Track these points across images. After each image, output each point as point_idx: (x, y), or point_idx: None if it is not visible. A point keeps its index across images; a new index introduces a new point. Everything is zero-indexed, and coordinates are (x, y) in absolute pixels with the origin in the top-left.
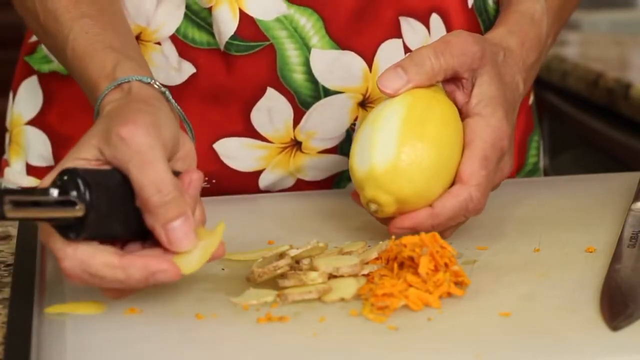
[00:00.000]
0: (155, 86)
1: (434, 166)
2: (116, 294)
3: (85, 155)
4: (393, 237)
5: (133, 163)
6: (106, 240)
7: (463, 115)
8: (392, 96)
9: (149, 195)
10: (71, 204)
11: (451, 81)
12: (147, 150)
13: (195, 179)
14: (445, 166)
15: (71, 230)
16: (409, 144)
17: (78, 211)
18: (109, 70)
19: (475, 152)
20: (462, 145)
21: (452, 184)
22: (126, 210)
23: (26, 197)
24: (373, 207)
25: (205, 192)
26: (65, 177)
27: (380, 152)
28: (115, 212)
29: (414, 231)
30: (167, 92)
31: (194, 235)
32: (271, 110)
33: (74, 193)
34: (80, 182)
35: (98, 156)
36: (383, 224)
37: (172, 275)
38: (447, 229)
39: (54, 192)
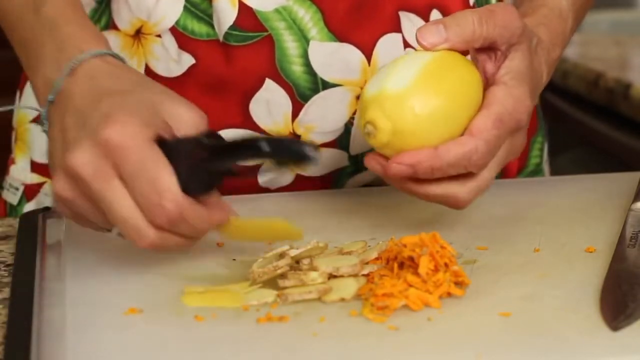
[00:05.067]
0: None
1: (442, 112)
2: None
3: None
4: (393, 237)
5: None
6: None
7: (488, 84)
8: (426, 49)
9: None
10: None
11: (485, 50)
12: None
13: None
14: (454, 119)
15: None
16: (424, 82)
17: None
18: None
19: (491, 112)
20: (477, 108)
21: None
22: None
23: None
24: (369, 128)
25: None
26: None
27: (393, 80)
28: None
29: (412, 171)
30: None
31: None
32: (270, 102)
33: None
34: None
35: None
36: (370, 166)
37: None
38: (457, 182)
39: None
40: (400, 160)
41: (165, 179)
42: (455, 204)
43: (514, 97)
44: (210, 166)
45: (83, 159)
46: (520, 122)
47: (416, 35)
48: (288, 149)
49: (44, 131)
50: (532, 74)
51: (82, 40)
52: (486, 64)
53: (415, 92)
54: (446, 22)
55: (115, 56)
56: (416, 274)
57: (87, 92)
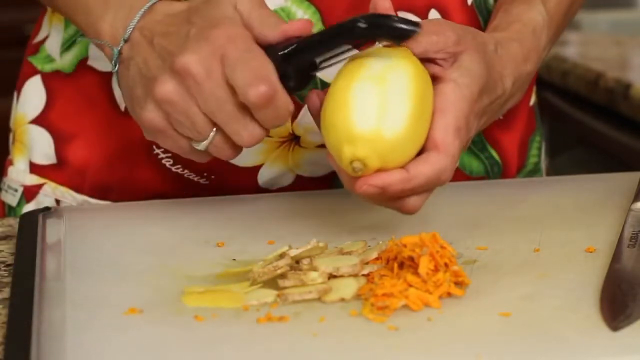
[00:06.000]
0: None
1: (422, 132)
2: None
3: None
4: (393, 237)
5: None
6: None
7: (436, 82)
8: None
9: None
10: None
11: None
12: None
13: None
14: (425, 131)
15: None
16: (416, 121)
17: None
18: None
19: (449, 121)
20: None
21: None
22: None
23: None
24: (357, 165)
25: (204, 190)
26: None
27: (390, 120)
28: None
29: (381, 192)
30: None
31: None
32: None
33: None
34: None
35: None
36: (343, 179)
37: None
38: (417, 195)
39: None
40: (370, 182)
41: (266, 65)
42: (407, 212)
43: (466, 99)
44: (306, 57)
45: (193, 58)
46: (469, 125)
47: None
48: (386, 26)
49: (115, 72)
50: (486, 76)
51: None
52: (430, 67)
53: (411, 134)
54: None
55: None
56: (416, 274)
57: (170, 20)
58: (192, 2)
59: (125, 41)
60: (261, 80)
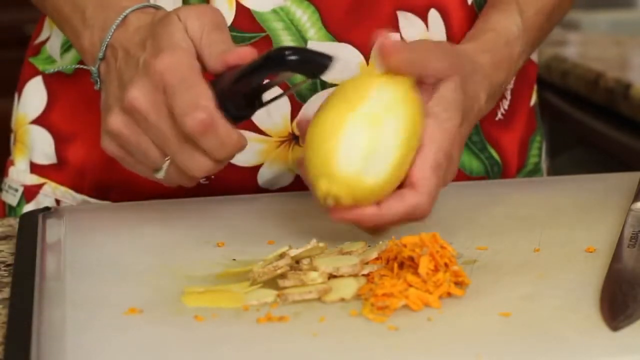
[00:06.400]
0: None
1: (404, 168)
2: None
3: None
4: (393, 237)
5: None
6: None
7: None
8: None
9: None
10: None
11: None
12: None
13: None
14: (407, 164)
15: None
16: (400, 168)
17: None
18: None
19: (428, 158)
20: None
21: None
22: None
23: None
24: (330, 202)
25: (204, 190)
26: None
27: (374, 167)
28: None
29: (356, 223)
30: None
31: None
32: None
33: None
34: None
35: None
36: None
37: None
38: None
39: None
40: (344, 216)
41: (203, 93)
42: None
43: (447, 132)
44: (241, 86)
45: (139, 94)
46: (453, 157)
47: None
48: (311, 58)
49: (98, 89)
50: (465, 102)
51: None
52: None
53: (392, 180)
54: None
55: (154, 6)
56: (416, 274)
57: (136, 38)
58: (155, 15)
59: (102, 60)
60: (196, 108)
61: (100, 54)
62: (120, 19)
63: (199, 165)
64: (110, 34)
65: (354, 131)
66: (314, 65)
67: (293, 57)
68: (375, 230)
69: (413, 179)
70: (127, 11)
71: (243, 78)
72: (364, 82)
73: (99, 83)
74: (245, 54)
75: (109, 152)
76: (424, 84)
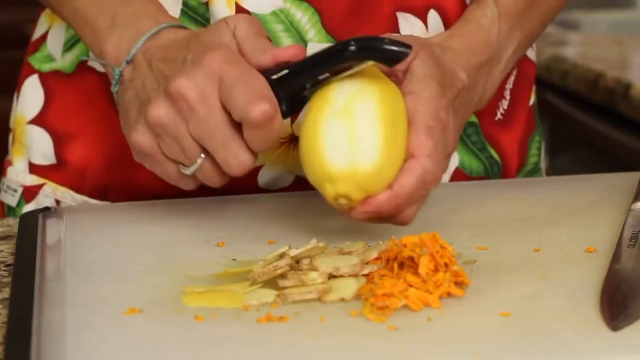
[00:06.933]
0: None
1: (403, 160)
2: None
3: None
4: (393, 237)
5: None
6: None
7: None
8: None
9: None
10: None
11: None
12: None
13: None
14: (404, 149)
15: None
16: (390, 148)
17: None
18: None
19: (417, 126)
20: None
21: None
22: None
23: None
24: (343, 201)
25: (204, 191)
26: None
27: (363, 152)
28: None
29: (377, 213)
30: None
31: None
32: None
33: None
34: None
35: None
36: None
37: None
38: (410, 205)
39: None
40: (362, 210)
41: (265, 85)
42: (402, 224)
43: (425, 99)
44: (298, 81)
45: (187, 82)
46: (442, 120)
47: None
48: (376, 49)
49: (115, 92)
50: (440, 74)
51: (156, 13)
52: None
53: (388, 158)
54: None
55: (185, 27)
56: (416, 274)
57: (172, 44)
58: (194, 30)
59: (128, 63)
60: (263, 98)
61: (128, 57)
62: (156, 29)
63: (240, 162)
64: (143, 40)
65: (330, 132)
66: (383, 54)
67: (353, 48)
68: (403, 218)
69: (411, 150)
70: (165, 25)
71: (303, 72)
72: (328, 85)
73: (117, 85)
74: (298, 52)
75: (142, 146)
76: (397, 74)
